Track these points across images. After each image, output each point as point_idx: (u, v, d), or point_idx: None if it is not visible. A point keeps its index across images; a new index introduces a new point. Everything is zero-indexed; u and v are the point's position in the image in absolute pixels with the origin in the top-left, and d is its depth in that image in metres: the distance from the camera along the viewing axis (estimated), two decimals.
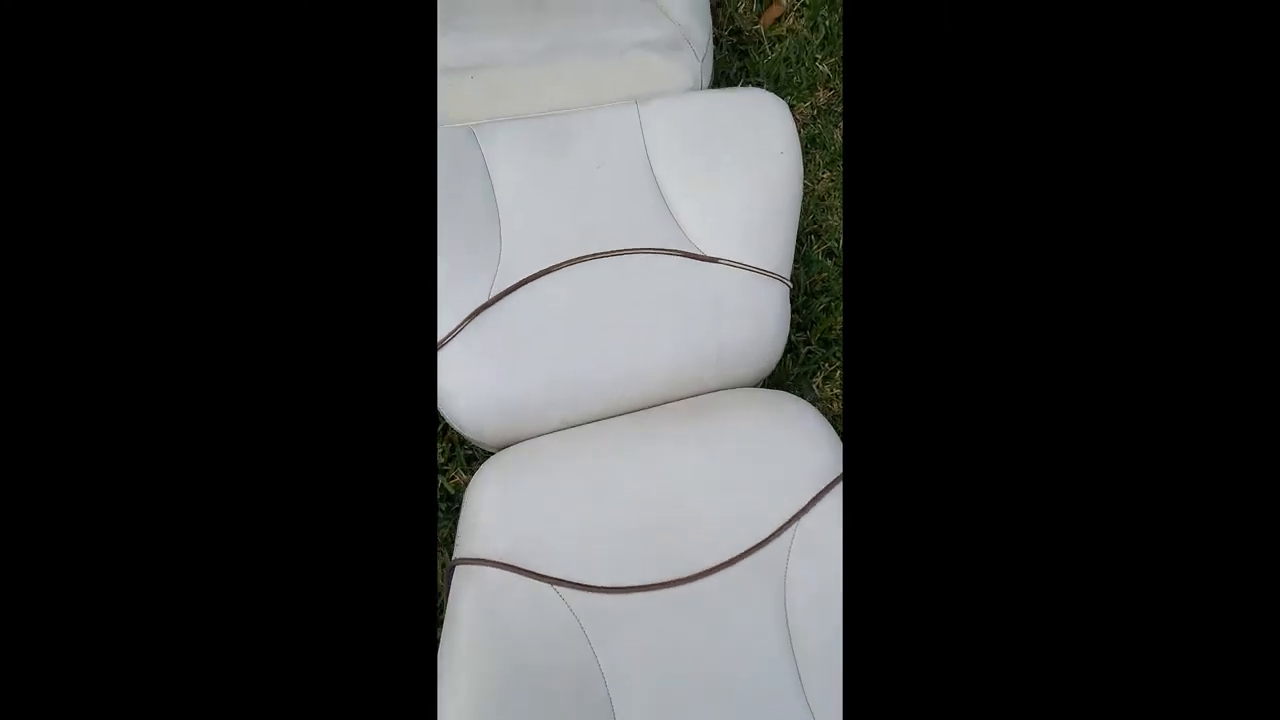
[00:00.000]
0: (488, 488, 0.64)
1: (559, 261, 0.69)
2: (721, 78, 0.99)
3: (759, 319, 0.72)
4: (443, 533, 0.77)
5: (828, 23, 1.01)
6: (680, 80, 0.83)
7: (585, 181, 0.74)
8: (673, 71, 0.82)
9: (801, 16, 1.02)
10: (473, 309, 0.66)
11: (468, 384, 0.65)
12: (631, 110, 0.77)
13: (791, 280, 0.77)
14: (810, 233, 0.94)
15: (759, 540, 0.63)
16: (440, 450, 0.80)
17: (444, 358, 0.66)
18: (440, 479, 0.79)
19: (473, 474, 0.76)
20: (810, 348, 0.90)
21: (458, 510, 0.78)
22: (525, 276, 0.68)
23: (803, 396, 0.88)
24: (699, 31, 0.83)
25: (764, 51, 1.00)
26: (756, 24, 1.01)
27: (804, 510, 0.63)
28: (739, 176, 0.74)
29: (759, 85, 0.98)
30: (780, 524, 0.64)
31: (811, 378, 0.89)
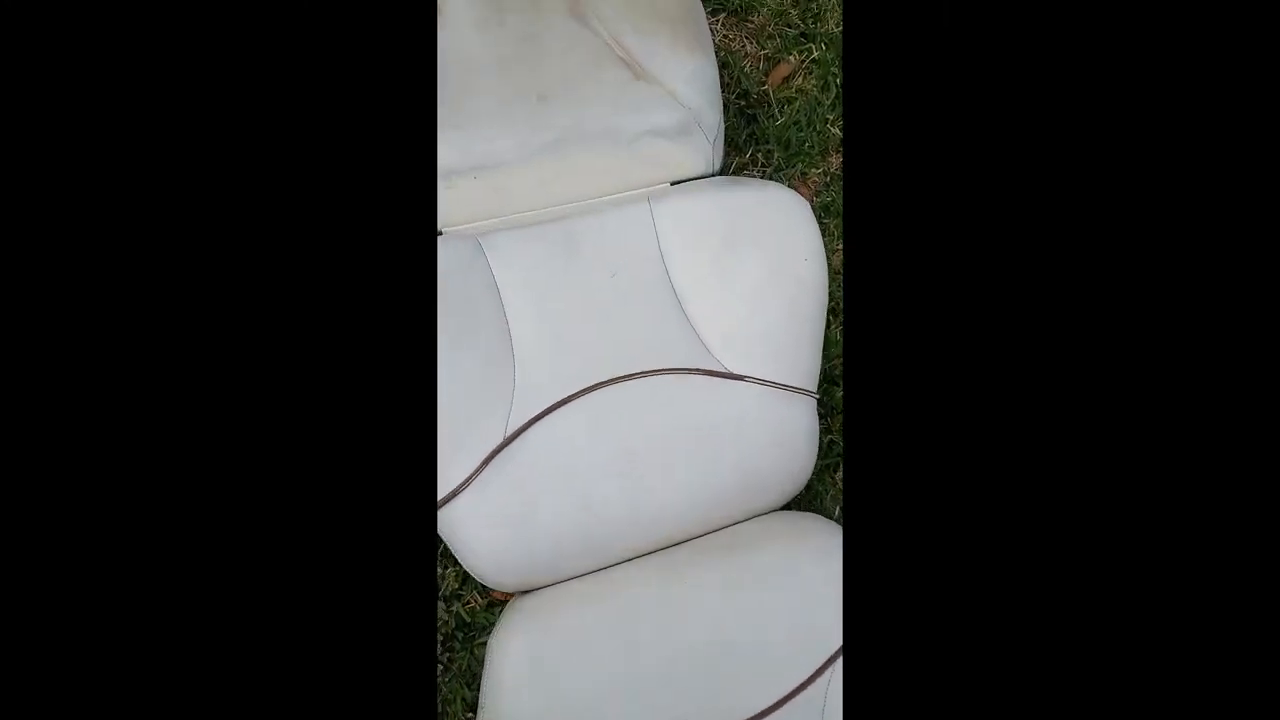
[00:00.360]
0: (513, 643, 0.60)
1: (576, 390, 0.65)
2: (729, 144, 0.94)
3: (788, 441, 0.68)
4: (460, 664, 0.74)
5: (839, 80, 0.96)
6: (692, 165, 0.79)
7: (599, 293, 0.70)
8: (684, 156, 0.78)
9: (811, 74, 0.97)
10: (488, 451, 0.62)
11: (486, 535, 0.62)
12: (644, 209, 0.72)
13: (819, 391, 0.74)
14: (829, 310, 0.91)
15: (797, 685, 0.60)
16: (454, 575, 0.76)
17: (459, 506, 0.62)
18: (456, 606, 0.75)
19: (488, 598, 0.73)
20: (831, 436, 0.87)
21: (473, 638, 0.75)
22: (542, 410, 0.64)
23: (824, 490, 0.85)
24: (710, 114, 0.79)
25: (773, 114, 0.95)
26: (764, 84, 0.96)
27: (839, 651, 0.61)
28: (762, 284, 0.70)
29: (769, 152, 0.94)
30: (818, 666, 0.61)
31: (835, 471, 0.86)
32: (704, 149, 0.80)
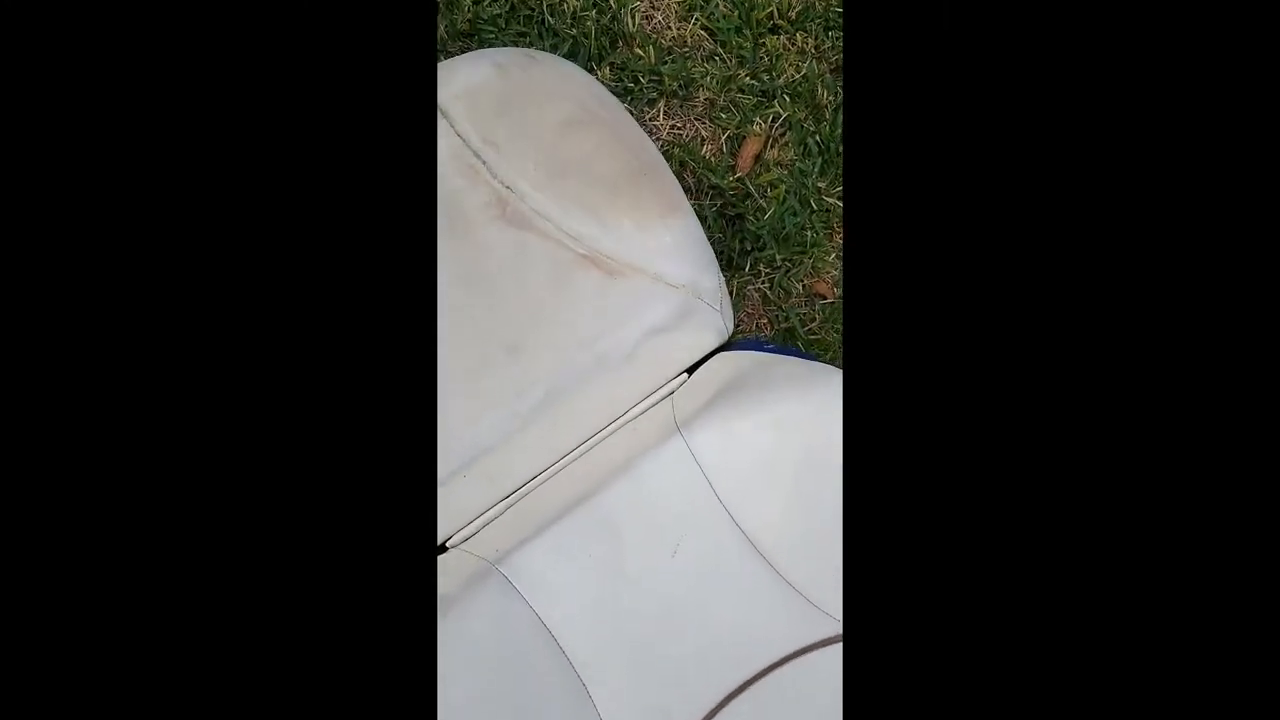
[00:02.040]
0: None
1: None
2: (719, 256, 0.79)
3: None
4: None
5: (817, 136, 0.81)
6: (704, 342, 0.64)
7: (666, 582, 0.57)
8: (692, 339, 0.63)
9: (784, 140, 0.81)
10: None
11: None
12: (679, 450, 0.59)
13: None
14: None
15: None
16: None
17: None
18: None
19: None
20: None
21: None
22: None
23: None
24: (706, 277, 0.64)
25: (758, 205, 0.80)
26: (736, 172, 0.80)
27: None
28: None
29: (770, 256, 0.79)
30: None
31: None
32: (712, 321, 0.65)
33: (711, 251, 0.66)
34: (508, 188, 0.62)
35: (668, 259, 0.63)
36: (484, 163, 0.63)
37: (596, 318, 0.61)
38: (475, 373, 0.59)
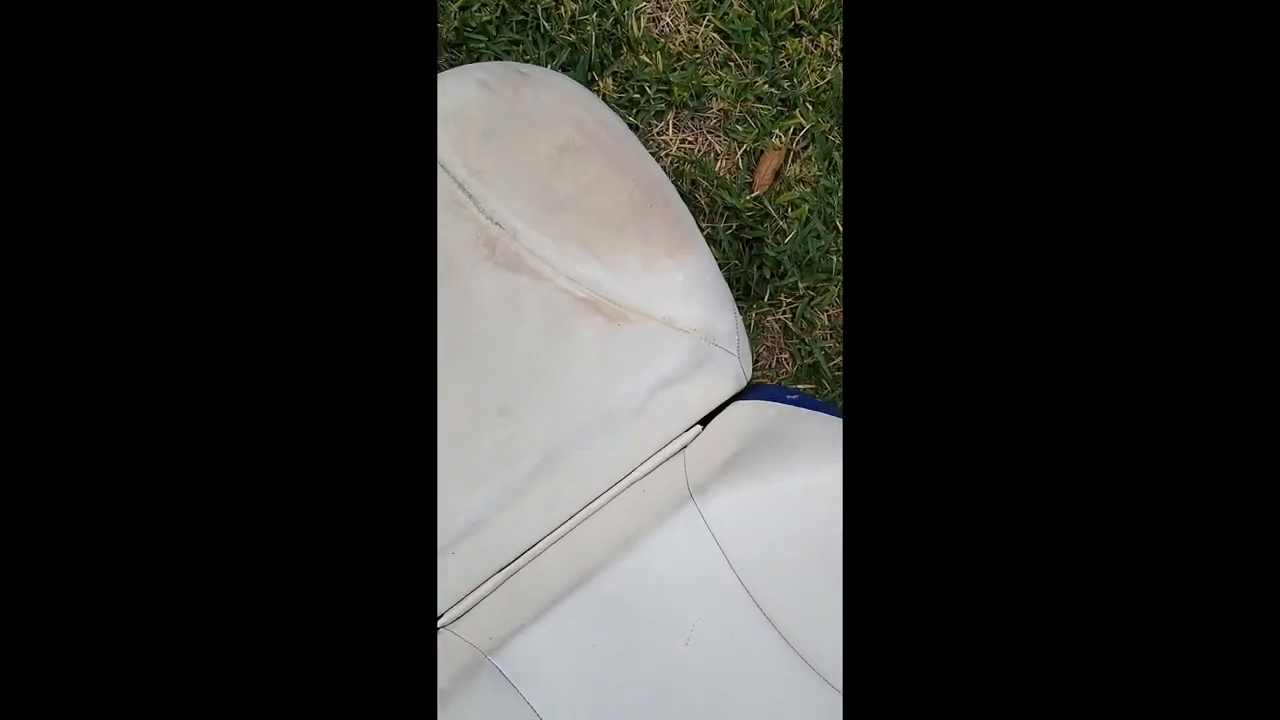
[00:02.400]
0: None
1: None
2: (736, 284, 0.73)
3: None
4: None
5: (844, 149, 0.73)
6: (719, 390, 0.58)
7: (681, 675, 0.51)
8: (707, 388, 0.57)
9: (807, 153, 0.74)
10: None
11: None
12: (692, 518, 0.52)
13: None
14: None
15: None
16: None
17: None
18: None
19: None
20: None
21: None
22: None
23: None
24: (723, 320, 0.57)
25: (777, 227, 0.73)
26: (753, 190, 0.73)
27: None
28: None
29: (791, 284, 0.72)
30: None
31: None
32: (729, 366, 0.59)
33: (727, 289, 0.59)
34: (497, 224, 0.56)
35: (679, 301, 0.56)
36: (470, 196, 0.56)
37: (600, 371, 0.54)
38: (465, 438, 0.52)
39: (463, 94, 0.58)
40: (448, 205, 0.56)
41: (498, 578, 0.53)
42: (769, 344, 0.73)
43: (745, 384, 0.59)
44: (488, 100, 0.57)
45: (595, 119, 0.58)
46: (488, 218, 0.55)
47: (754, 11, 0.73)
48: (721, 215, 0.73)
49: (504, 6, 0.72)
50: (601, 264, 0.55)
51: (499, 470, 0.52)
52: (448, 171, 0.56)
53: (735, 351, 0.58)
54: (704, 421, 0.58)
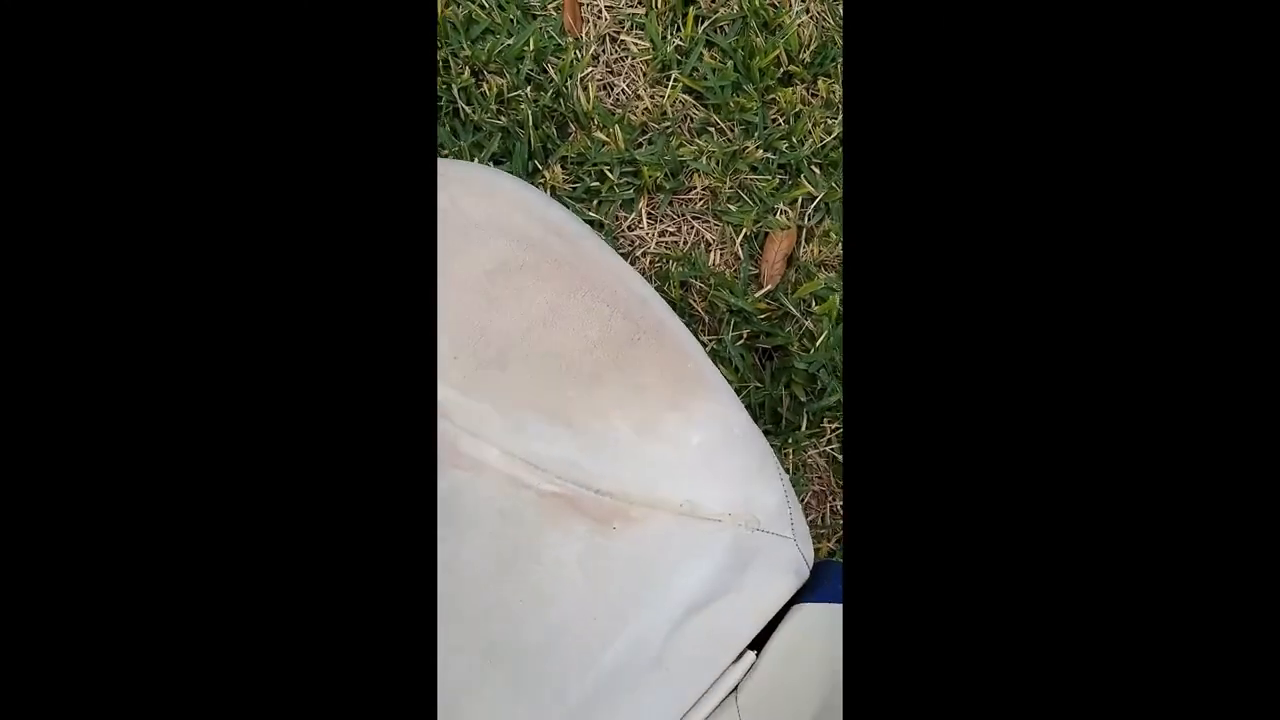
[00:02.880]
0: None
1: None
2: (761, 414, 0.55)
3: None
4: None
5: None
6: (775, 593, 0.38)
7: None
8: (758, 598, 0.37)
9: (822, 228, 0.57)
10: None
11: None
12: None
13: None
14: None
15: None
16: None
17: None
18: None
19: None
20: None
21: None
22: None
23: None
24: (767, 489, 0.39)
25: (804, 330, 0.56)
26: (762, 284, 0.57)
27: None
28: None
29: (835, 405, 0.55)
30: None
31: None
32: (784, 556, 0.40)
33: (764, 440, 0.41)
34: None
35: (699, 474, 0.38)
36: None
37: (591, 609, 0.35)
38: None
39: None
40: None
41: None
42: (816, 486, 0.55)
43: (808, 574, 0.41)
44: None
45: (541, 224, 0.41)
46: None
47: (730, 63, 0.58)
48: (726, 323, 0.55)
49: None
50: (573, 435, 0.37)
51: None
52: None
53: (791, 533, 0.40)
54: (757, 643, 0.39)
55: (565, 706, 0.34)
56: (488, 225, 0.40)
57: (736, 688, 0.38)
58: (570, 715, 0.34)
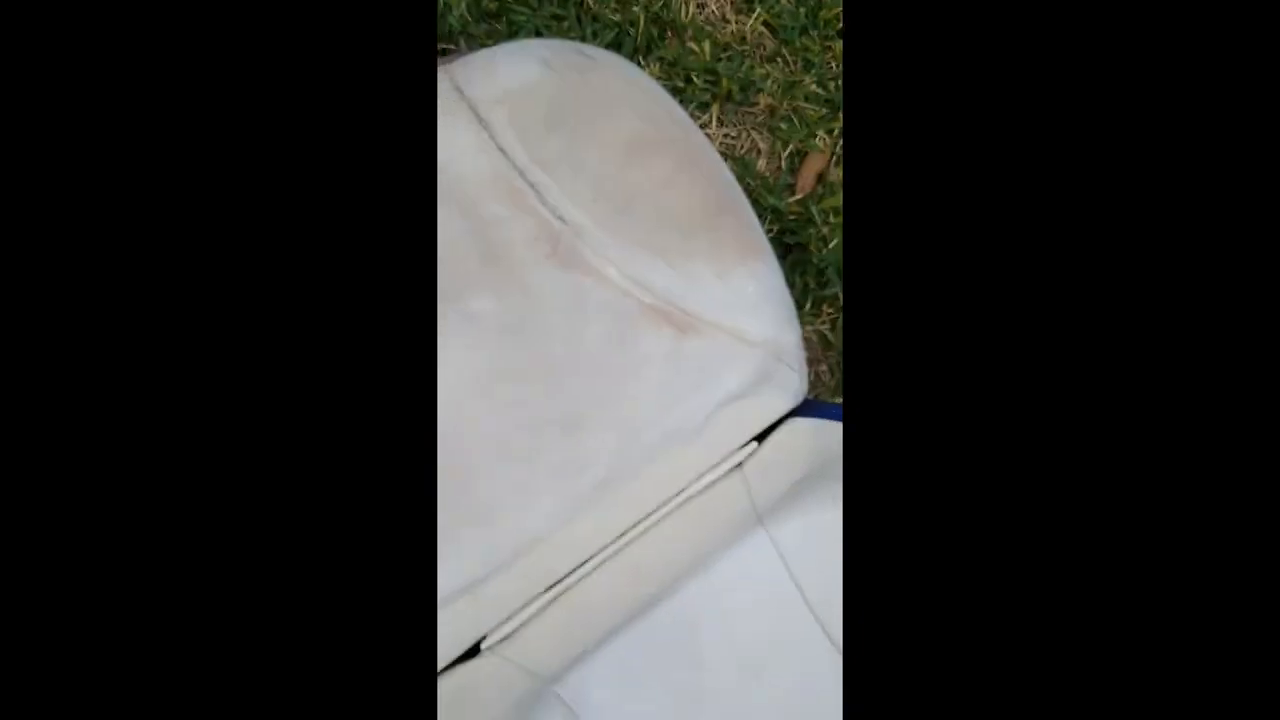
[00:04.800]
0: None
1: None
2: None
3: None
4: None
5: None
6: (778, 407, 0.55)
7: (748, 711, 0.48)
8: (766, 404, 0.54)
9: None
10: None
11: None
12: (763, 545, 0.50)
13: None
14: None
15: None
16: None
17: None
18: None
19: None
20: None
21: None
22: None
23: None
24: (788, 333, 0.54)
25: (822, 235, 0.70)
26: (794, 195, 0.71)
27: None
28: None
29: (834, 296, 0.70)
30: None
31: None
32: (790, 383, 0.56)
33: (791, 302, 0.57)
34: (561, 220, 0.51)
35: (749, 313, 0.53)
36: (532, 186, 0.52)
37: (667, 385, 0.51)
38: (524, 450, 0.48)
39: (524, 73, 0.53)
40: (506, 194, 0.51)
41: (547, 596, 0.50)
42: (808, 355, 0.71)
43: (801, 401, 0.57)
44: (552, 82, 0.53)
45: (667, 113, 0.54)
46: (550, 211, 0.51)
47: (803, 9, 0.70)
48: (763, 216, 0.70)
49: None
50: (672, 269, 0.52)
51: (559, 485, 0.49)
52: (507, 157, 0.51)
53: (797, 368, 0.55)
54: (759, 438, 0.55)
55: (641, 441, 0.49)
56: (627, 104, 0.53)
57: (742, 463, 0.54)
58: (645, 448, 0.49)
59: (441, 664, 0.48)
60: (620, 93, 0.54)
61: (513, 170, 0.51)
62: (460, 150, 0.51)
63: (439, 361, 0.49)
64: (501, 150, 0.51)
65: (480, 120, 0.52)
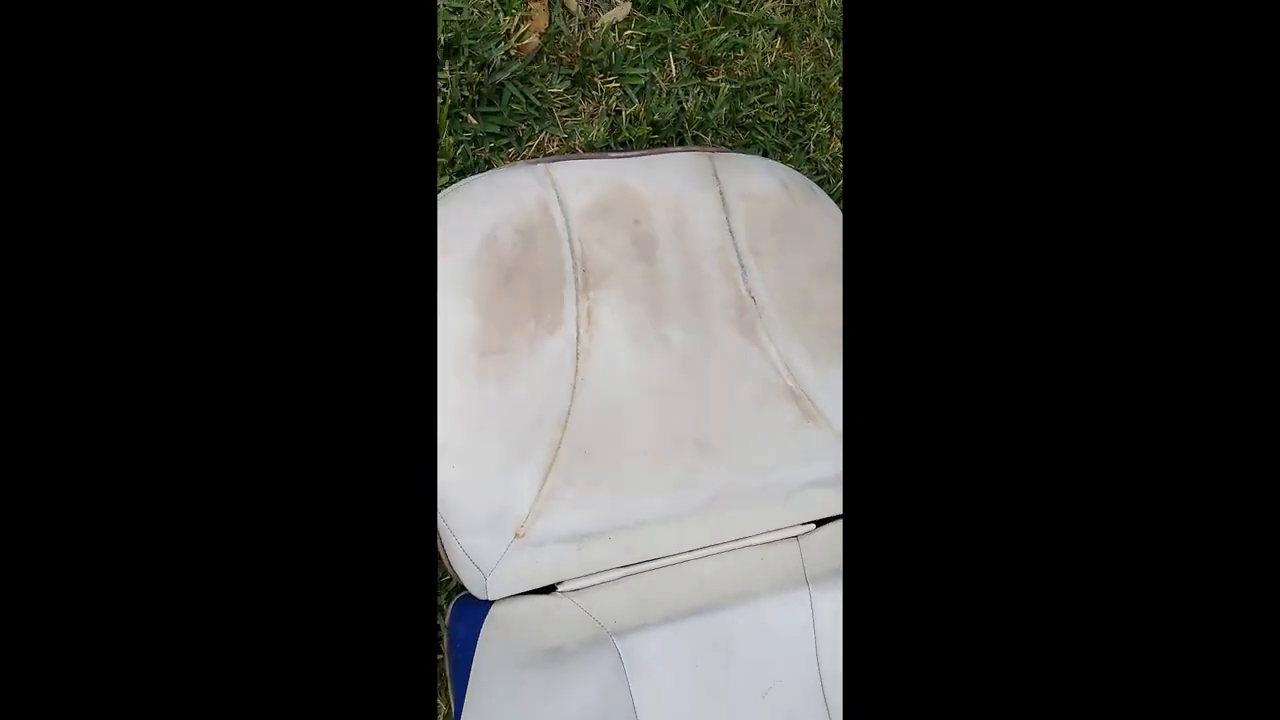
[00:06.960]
0: None
1: None
2: None
3: None
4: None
5: None
6: (839, 507, 0.68)
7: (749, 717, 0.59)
8: (836, 498, 0.67)
9: None
10: None
11: None
12: (804, 602, 0.61)
13: None
14: None
15: None
16: None
17: None
18: None
19: None
20: None
21: None
22: None
23: None
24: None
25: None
26: None
27: None
28: None
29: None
30: None
31: None
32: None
33: None
34: (753, 298, 0.65)
35: (837, 402, 0.66)
36: (742, 266, 0.66)
37: (781, 452, 0.63)
38: (665, 458, 0.60)
39: (767, 185, 0.68)
40: (722, 263, 0.65)
41: (626, 570, 0.60)
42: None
43: None
44: (786, 199, 0.68)
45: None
46: (748, 290, 0.65)
47: None
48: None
49: (789, 114, 0.82)
50: (815, 368, 0.65)
51: (675, 491, 0.61)
52: (733, 238, 0.66)
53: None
54: (819, 523, 0.67)
55: (748, 484, 0.62)
56: (832, 238, 0.67)
57: (799, 537, 0.66)
58: (750, 490, 0.62)
59: (526, 589, 0.59)
60: (828, 227, 0.68)
61: (733, 249, 0.65)
62: (704, 219, 0.65)
63: (632, 358, 0.61)
64: (731, 232, 0.65)
65: (725, 204, 0.66)
